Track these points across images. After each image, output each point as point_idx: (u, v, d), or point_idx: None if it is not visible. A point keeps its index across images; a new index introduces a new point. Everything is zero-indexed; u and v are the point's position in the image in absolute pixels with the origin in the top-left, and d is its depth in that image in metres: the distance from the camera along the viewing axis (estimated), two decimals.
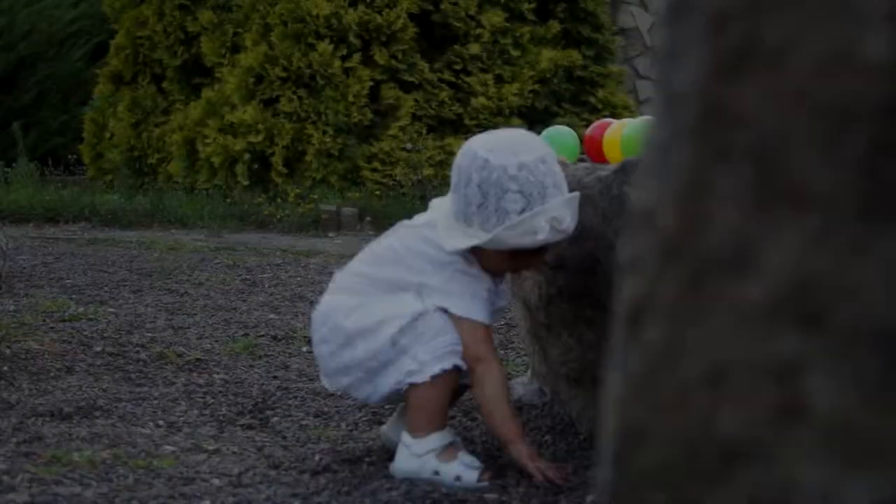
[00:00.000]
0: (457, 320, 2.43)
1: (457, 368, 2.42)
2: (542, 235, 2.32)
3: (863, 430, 0.67)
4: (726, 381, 0.72)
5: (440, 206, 2.57)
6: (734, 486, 0.71)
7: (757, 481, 0.70)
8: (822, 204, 0.69)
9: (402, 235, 2.55)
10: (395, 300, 2.46)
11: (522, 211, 2.32)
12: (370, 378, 2.47)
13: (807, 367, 0.69)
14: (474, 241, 2.37)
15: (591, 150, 2.89)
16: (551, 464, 2.44)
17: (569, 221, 2.34)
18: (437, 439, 2.45)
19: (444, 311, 2.43)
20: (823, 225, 0.69)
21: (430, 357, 2.40)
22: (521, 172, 2.33)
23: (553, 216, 2.32)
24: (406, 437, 2.47)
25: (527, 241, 2.34)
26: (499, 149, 2.37)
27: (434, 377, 2.40)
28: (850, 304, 0.68)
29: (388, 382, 2.45)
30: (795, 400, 0.69)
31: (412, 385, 2.42)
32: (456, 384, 2.47)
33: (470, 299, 2.43)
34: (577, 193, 2.37)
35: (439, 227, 2.46)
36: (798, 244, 0.70)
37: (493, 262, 2.44)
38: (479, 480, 2.42)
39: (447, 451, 2.46)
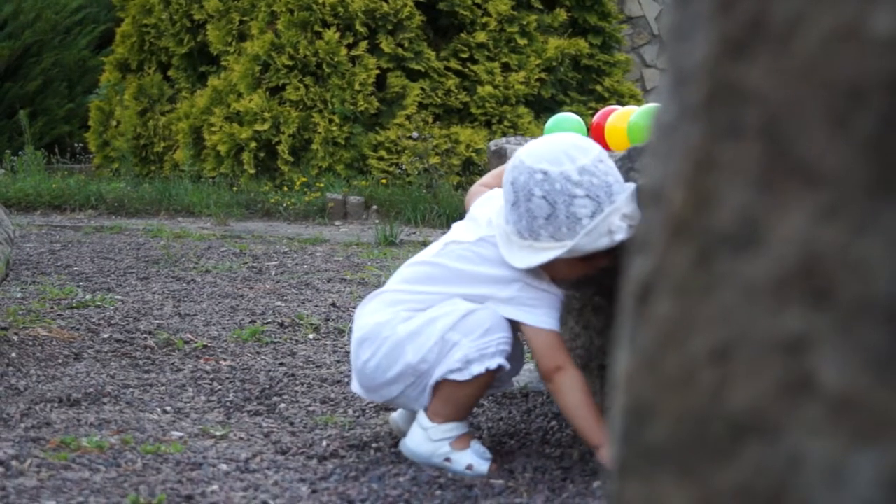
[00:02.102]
0: (532, 330, 2.39)
1: (501, 367, 2.39)
2: (620, 234, 2.26)
3: (869, 405, 0.67)
4: (734, 356, 0.72)
5: (479, 217, 2.51)
6: (741, 461, 0.72)
7: (764, 456, 0.70)
8: (830, 180, 0.69)
9: (454, 253, 2.47)
10: (446, 304, 2.42)
11: (594, 214, 2.27)
12: (422, 383, 2.43)
13: (814, 342, 0.69)
14: (551, 254, 2.31)
15: (598, 138, 2.89)
16: None
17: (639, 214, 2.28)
18: (454, 427, 2.45)
19: (512, 321, 2.39)
20: (831, 201, 0.69)
21: (479, 355, 2.36)
22: (583, 177, 2.27)
23: (625, 213, 2.26)
24: (424, 420, 2.45)
25: (604, 242, 2.27)
26: (555, 158, 2.30)
27: (476, 376, 2.38)
28: (858, 280, 0.68)
29: (432, 381, 2.42)
30: (803, 375, 0.69)
31: (449, 381, 2.39)
32: (492, 382, 2.45)
33: (547, 310, 2.39)
34: (633, 184, 2.32)
35: (501, 248, 2.39)
36: (806, 220, 0.70)
37: (565, 270, 2.39)
38: (488, 472, 2.42)
39: (461, 439, 2.46)
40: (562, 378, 2.37)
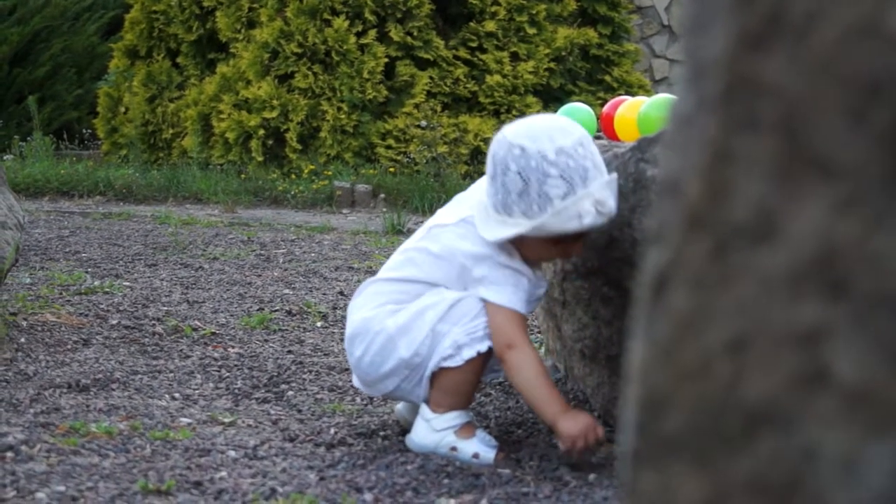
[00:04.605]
0: (493, 308, 2.39)
1: (491, 350, 2.40)
2: (589, 219, 2.27)
3: (884, 397, 0.67)
4: (750, 348, 0.73)
5: (465, 201, 2.53)
6: (756, 452, 0.72)
7: (779, 447, 0.71)
8: (846, 174, 0.70)
9: (436, 236, 2.49)
10: (431, 294, 2.44)
11: (565, 196, 2.27)
12: (416, 376, 2.44)
13: (829, 334, 0.70)
14: (518, 230, 2.32)
15: (608, 128, 2.90)
16: (592, 446, 2.36)
17: (612, 203, 2.29)
18: (456, 416, 2.45)
19: (483, 299, 2.40)
20: (848, 194, 0.70)
21: (468, 339, 2.38)
22: (560, 157, 2.28)
23: (597, 199, 2.27)
24: (426, 412, 2.46)
25: (572, 225, 2.28)
26: (535, 135, 2.31)
27: (468, 360, 2.39)
28: (874, 273, 0.68)
29: (428, 372, 2.43)
30: (818, 367, 0.70)
31: (444, 368, 2.41)
32: (486, 366, 2.45)
33: (512, 289, 2.39)
34: (615, 174, 2.33)
35: (476, 220, 2.41)
36: (822, 213, 0.71)
37: (536, 250, 2.40)
38: (495, 459, 2.43)
39: (465, 428, 2.46)
40: (513, 356, 2.37)
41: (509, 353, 2.37)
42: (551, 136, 2.31)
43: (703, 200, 0.76)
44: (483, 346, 2.39)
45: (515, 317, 2.40)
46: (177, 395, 2.92)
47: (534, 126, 2.35)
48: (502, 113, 9.01)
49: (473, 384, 2.46)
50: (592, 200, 2.27)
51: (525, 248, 2.41)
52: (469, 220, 2.45)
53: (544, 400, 2.36)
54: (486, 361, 2.43)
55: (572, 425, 2.33)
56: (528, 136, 2.32)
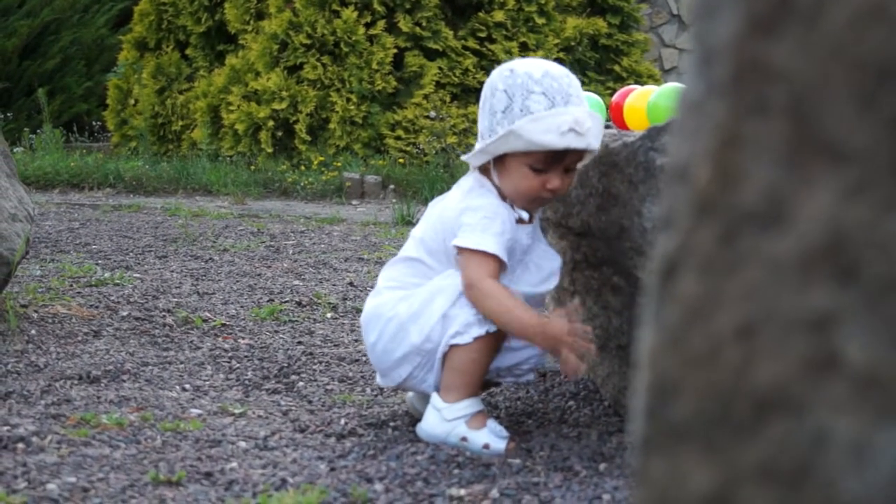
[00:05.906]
0: (462, 254, 2.40)
1: (502, 332, 2.41)
2: (566, 129, 2.31)
3: (895, 381, 0.67)
4: (759, 333, 0.73)
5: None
6: (766, 437, 0.72)
7: (789, 433, 0.71)
8: (856, 158, 0.69)
9: (440, 209, 2.53)
10: (441, 278, 2.45)
11: (546, 110, 2.35)
12: (429, 362, 2.45)
13: (840, 319, 0.70)
14: (496, 136, 2.36)
15: (617, 118, 2.89)
16: (584, 335, 2.34)
17: (591, 129, 2.34)
18: (468, 406, 2.44)
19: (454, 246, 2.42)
20: (858, 179, 0.69)
21: (477, 319, 2.38)
22: (545, 78, 2.37)
23: (576, 118, 2.32)
24: (437, 401, 2.46)
25: (548, 139, 2.32)
26: (525, 63, 2.44)
27: (477, 338, 2.39)
28: (883, 258, 0.68)
29: (439, 354, 2.44)
30: (828, 352, 0.70)
31: (454, 347, 2.41)
32: (496, 349, 2.46)
33: (480, 232, 2.39)
34: (602, 117, 2.41)
35: (467, 158, 2.47)
36: (832, 198, 0.70)
37: (516, 182, 2.41)
38: (506, 450, 2.42)
39: (476, 418, 2.45)
40: (471, 295, 2.38)
41: (469, 293, 2.38)
42: (540, 64, 2.43)
43: (713, 186, 0.76)
44: (493, 326, 2.38)
45: (475, 257, 2.39)
46: (187, 386, 2.92)
47: (526, 59, 2.51)
48: None
49: (482, 366, 2.45)
50: (572, 118, 2.32)
51: (506, 180, 2.43)
52: (461, 184, 2.51)
53: (520, 327, 2.37)
54: (495, 343, 2.42)
55: (555, 330, 2.33)
56: (519, 63, 2.45)
